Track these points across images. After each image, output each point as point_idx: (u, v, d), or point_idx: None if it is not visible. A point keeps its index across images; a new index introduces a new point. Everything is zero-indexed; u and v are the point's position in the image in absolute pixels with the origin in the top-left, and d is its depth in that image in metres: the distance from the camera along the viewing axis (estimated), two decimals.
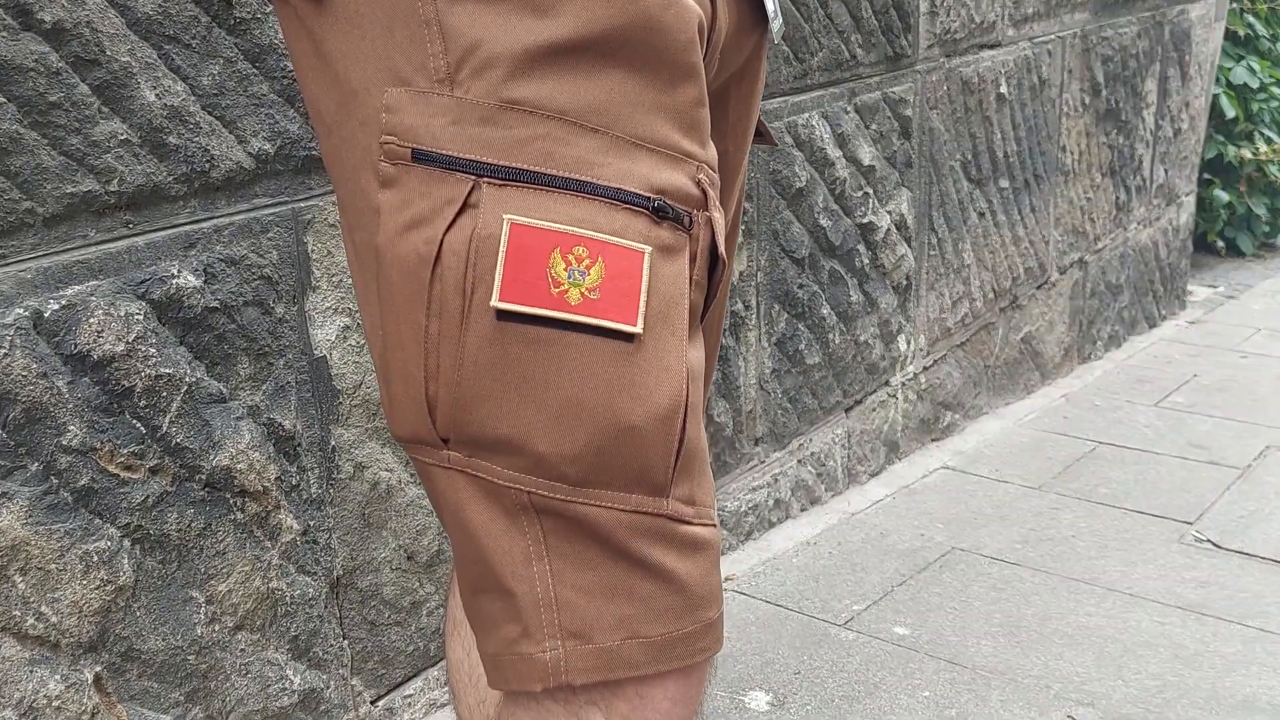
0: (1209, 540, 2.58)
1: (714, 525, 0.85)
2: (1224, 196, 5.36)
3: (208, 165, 1.47)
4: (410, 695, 1.87)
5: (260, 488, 1.58)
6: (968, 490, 2.86)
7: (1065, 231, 3.67)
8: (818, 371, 2.65)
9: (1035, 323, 3.60)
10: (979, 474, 2.96)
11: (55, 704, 1.40)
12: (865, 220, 2.70)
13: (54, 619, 1.39)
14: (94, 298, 1.37)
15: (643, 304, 0.81)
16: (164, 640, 1.50)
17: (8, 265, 1.32)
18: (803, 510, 2.70)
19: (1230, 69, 5.22)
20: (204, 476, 1.51)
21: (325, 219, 1.61)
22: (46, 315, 1.34)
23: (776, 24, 1.05)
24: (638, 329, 0.80)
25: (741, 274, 2.39)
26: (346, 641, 1.75)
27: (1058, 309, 3.72)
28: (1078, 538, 2.59)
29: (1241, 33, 5.32)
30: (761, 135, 1.16)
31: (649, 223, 0.83)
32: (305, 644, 1.68)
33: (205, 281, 1.48)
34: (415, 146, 0.81)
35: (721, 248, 0.88)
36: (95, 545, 1.41)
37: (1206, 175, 5.39)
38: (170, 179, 1.44)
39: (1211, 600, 2.32)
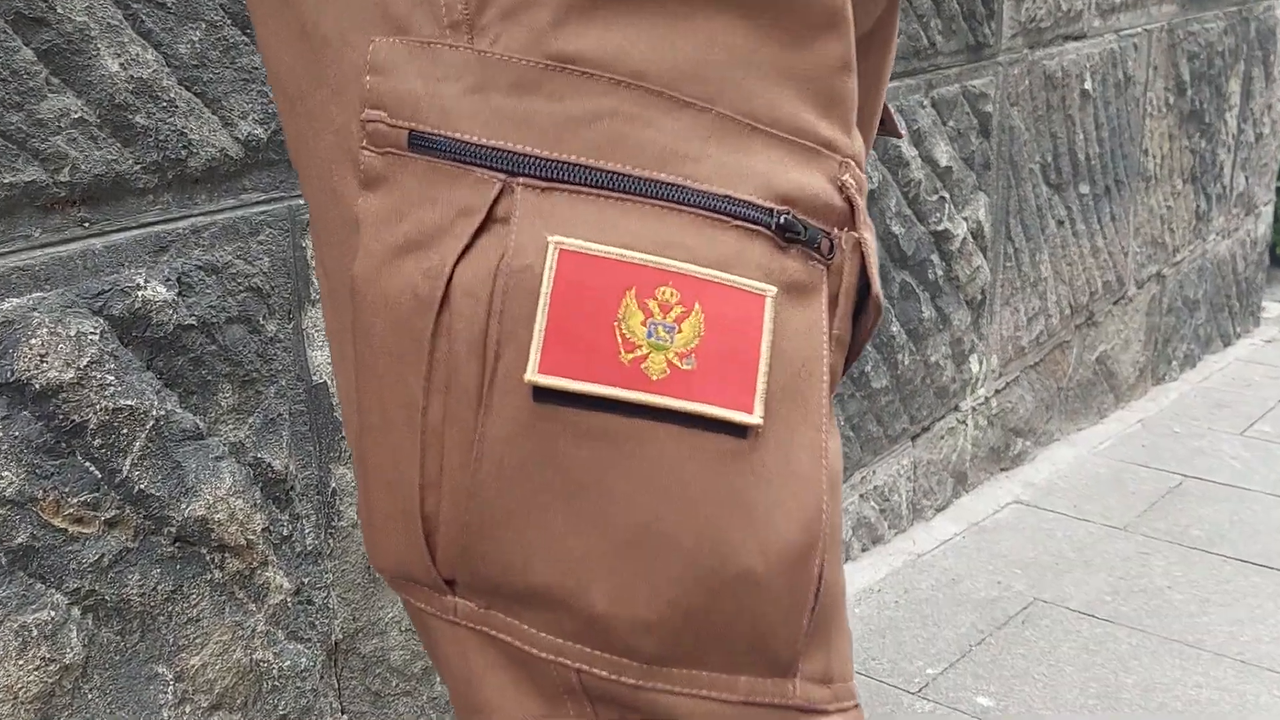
0: None
1: (855, 707, 0.58)
2: None
3: (184, 152, 1.24)
4: None
5: (243, 541, 1.33)
6: (1045, 529, 2.60)
7: (1144, 242, 3.42)
8: (884, 396, 2.38)
9: (1111, 341, 3.34)
10: (1055, 509, 2.70)
11: None
12: (940, 228, 2.44)
13: None
14: (37, 313, 1.13)
15: (763, 377, 0.54)
16: None
17: None
18: (864, 551, 2.44)
19: None
20: (174, 529, 1.26)
21: None
22: None
23: None
24: (756, 418, 0.55)
25: None
26: (346, 717, 1.49)
27: (1134, 326, 3.47)
28: (1173, 589, 2.33)
29: None
30: (885, 125, 0.89)
31: (771, 249, 0.57)
32: None
33: (179, 293, 1.24)
34: (414, 127, 0.57)
35: (875, 284, 0.61)
36: (35, 616, 1.16)
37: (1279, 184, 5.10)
38: (137, 168, 1.20)
39: None
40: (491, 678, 0.57)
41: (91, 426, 1.18)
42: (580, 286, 0.54)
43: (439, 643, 0.59)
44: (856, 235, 0.61)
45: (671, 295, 0.55)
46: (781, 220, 0.58)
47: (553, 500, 0.55)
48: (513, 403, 0.54)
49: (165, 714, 1.28)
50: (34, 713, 1.18)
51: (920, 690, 1.98)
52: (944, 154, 2.43)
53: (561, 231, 0.55)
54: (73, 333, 1.15)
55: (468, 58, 0.55)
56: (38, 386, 1.13)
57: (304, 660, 1.42)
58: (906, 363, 2.43)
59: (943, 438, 2.64)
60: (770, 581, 0.55)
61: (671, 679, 0.55)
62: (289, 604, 1.39)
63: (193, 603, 1.30)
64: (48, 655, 1.18)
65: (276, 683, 1.40)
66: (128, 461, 1.21)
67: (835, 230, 0.61)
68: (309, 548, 1.40)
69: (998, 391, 2.82)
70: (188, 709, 1.31)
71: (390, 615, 1.52)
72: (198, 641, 1.31)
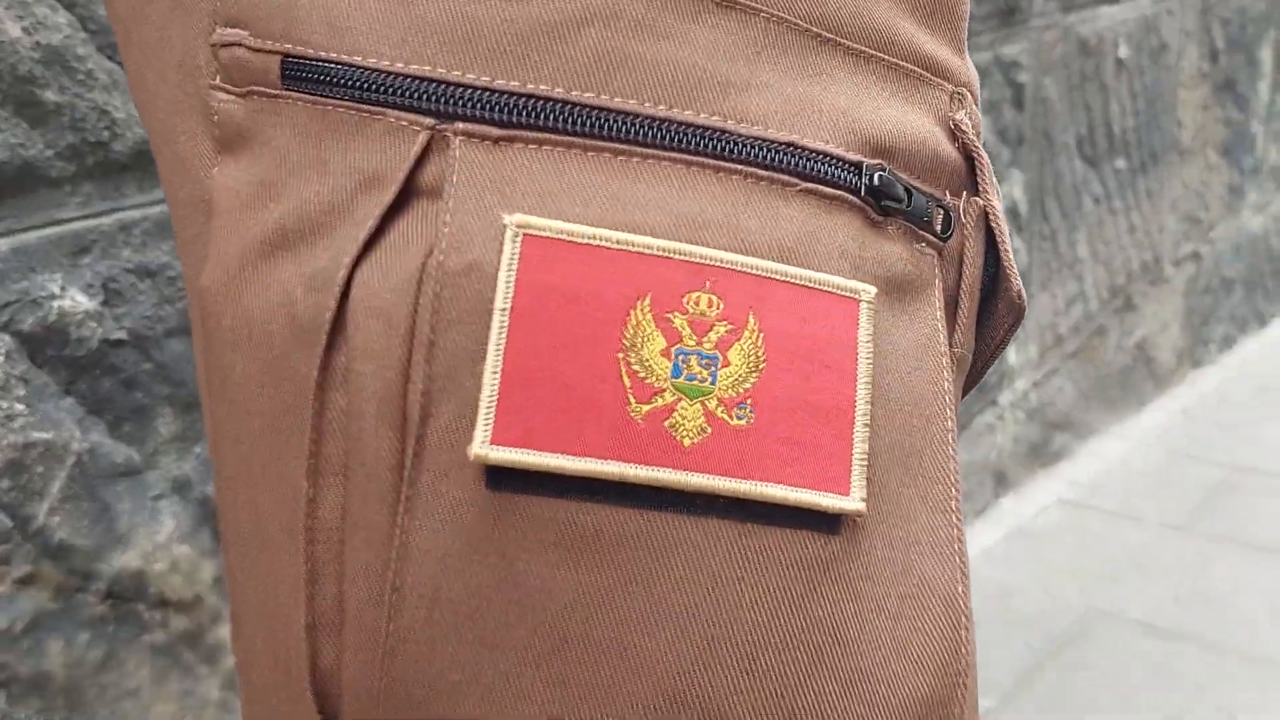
0: None
1: None
2: None
3: (107, 134, 1.08)
4: None
5: (189, 595, 1.19)
6: (1095, 532, 2.44)
7: (1179, 219, 3.28)
8: None
9: (1148, 324, 3.19)
10: (1103, 508, 2.56)
11: None
12: None
13: None
14: None
15: (862, 432, 0.37)
16: None
17: None
18: None
19: None
20: (103, 585, 1.11)
21: None
22: None
23: None
24: (855, 501, 0.37)
25: None
26: None
27: (1171, 308, 3.33)
28: (1240, 595, 2.18)
29: None
30: None
31: (860, 225, 0.40)
32: None
33: (105, 302, 1.09)
34: (290, 50, 0.39)
35: (1013, 272, 0.42)
36: None
37: None
38: (49, 153, 1.05)
39: None
40: None
41: None
42: (560, 296, 0.36)
43: None
44: (981, 202, 0.42)
45: (710, 306, 0.37)
46: (875, 180, 0.39)
47: (521, 659, 0.36)
48: (452, 495, 0.36)
49: None
50: None
51: None
52: None
53: (527, 208, 0.37)
54: None
55: None
56: None
57: None
58: None
59: (981, 435, 2.49)
60: None
61: None
62: None
63: (129, 671, 1.15)
64: None
65: None
66: (44, 506, 1.07)
67: (949, 195, 0.41)
68: None
69: (1036, 384, 2.68)
70: None
71: None
72: (136, 717, 1.16)
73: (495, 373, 0.36)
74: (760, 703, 0.36)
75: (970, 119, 0.43)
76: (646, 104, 0.38)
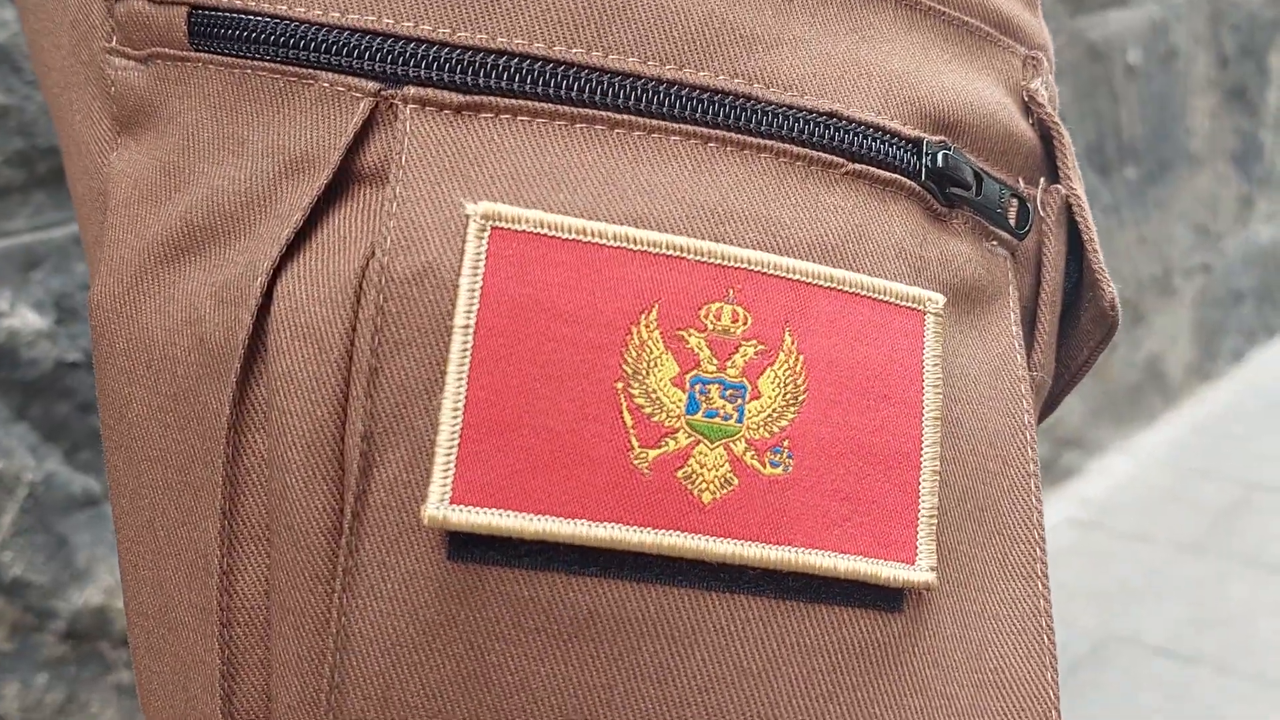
0: None
1: None
2: None
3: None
4: None
5: None
6: (1107, 552, 2.40)
7: (1189, 229, 3.23)
8: None
9: (1158, 338, 3.15)
10: (1116, 529, 2.51)
11: None
12: None
13: None
14: None
15: (930, 482, 0.30)
16: None
17: None
18: None
19: None
20: (62, 623, 1.05)
21: None
22: None
23: None
24: (923, 570, 0.30)
25: None
26: None
27: (1181, 321, 3.28)
28: (1258, 618, 2.13)
29: None
30: None
31: (921, 218, 0.33)
32: None
33: (58, 321, 1.04)
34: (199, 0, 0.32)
35: (1103, 277, 0.34)
36: None
37: None
38: None
39: None
40: None
41: None
42: (539, 310, 0.29)
43: None
44: (1064, 191, 0.34)
45: (736, 320, 0.30)
46: (938, 161, 0.32)
47: None
48: (404, 567, 0.29)
49: None
50: None
51: None
52: None
53: (497, 195, 0.30)
54: None
55: None
56: None
57: None
58: None
59: None
60: None
61: None
62: None
63: (93, 714, 1.09)
64: None
65: None
66: None
67: (1024, 183, 0.34)
68: None
69: None
70: None
71: None
72: None
73: (456, 410, 0.28)
74: None
75: (1047, 89, 0.36)
76: (650, 63, 0.31)
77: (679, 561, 0.29)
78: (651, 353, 0.29)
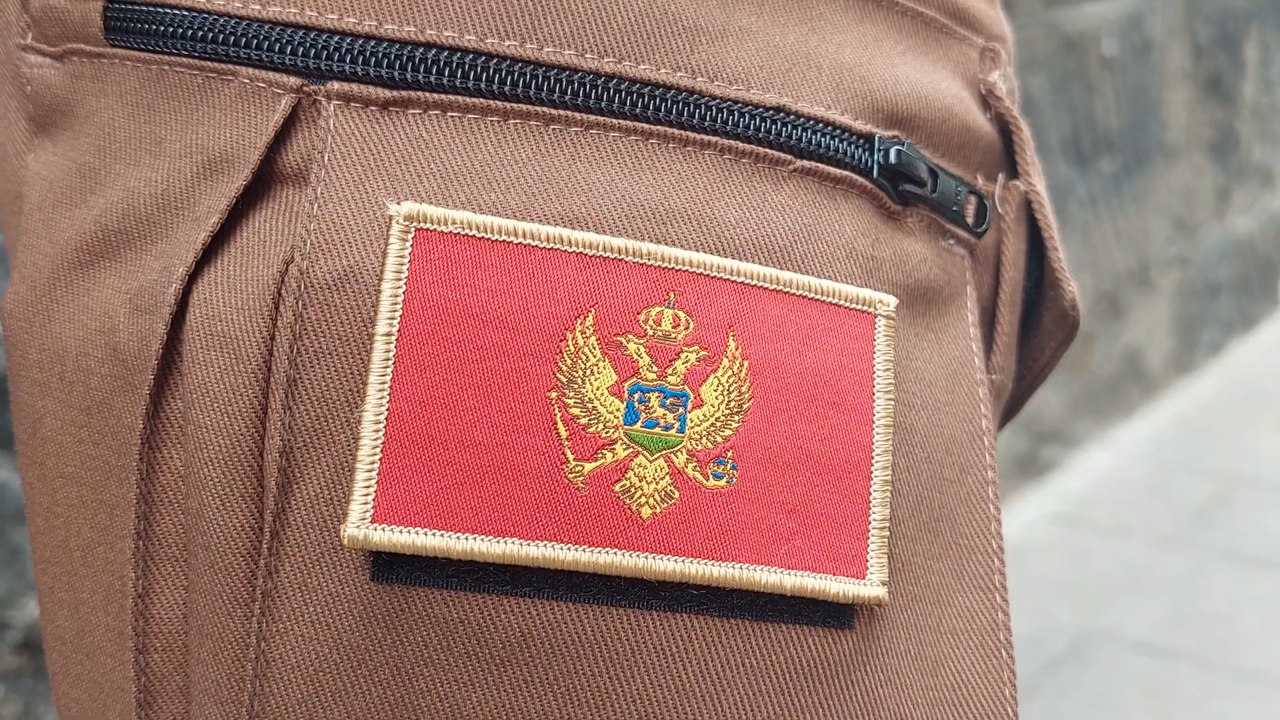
0: None
1: None
2: None
3: None
4: None
5: None
6: (1087, 548, 2.37)
7: (1166, 221, 3.21)
8: None
9: (1136, 331, 3.12)
10: (1095, 522, 2.48)
11: None
12: None
13: None
14: None
15: (881, 492, 0.27)
16: None
17: None
18: None
19: None
20: (16, 634, 1.01)
21: None
22: None
23: None
24: (873, 585, 0.28)
25: None
26: None
27: (1159, 313, 3.25)
28: (1238, 613, 2.11)
29: None
30: None
31: (873, 216, 0.31)
32: None
33: None
34: None
35: (1064, 275, 0.32)
36: None
37: None
38: None
39: None
40: None
41: None
42: (467, 315, 0.27)
43: None
44: (1023, 188, 0.33)
45: (677, 325, 0.28)
46: (891, 157, 0.29)
47: None
48: (326, 589, 0.27)
49: None
50: None
51: None
52: None
53: (423, 194, 0.28)
54: None
55: None
56: None
57: None
58: None
59: None
60: None
61: None
62: None
63: None
64: None
65: None
66: None
67: (983, 179, 0.32)
68: None
69: None
70: None
71: None
72: None
73: (378, 423, 0.26)
74: None
75: (1006, 83, 0.34)
76: (588, 56, 0.29)
77: (617, 580, 0.27)
78: (587, 360, 0.27)
